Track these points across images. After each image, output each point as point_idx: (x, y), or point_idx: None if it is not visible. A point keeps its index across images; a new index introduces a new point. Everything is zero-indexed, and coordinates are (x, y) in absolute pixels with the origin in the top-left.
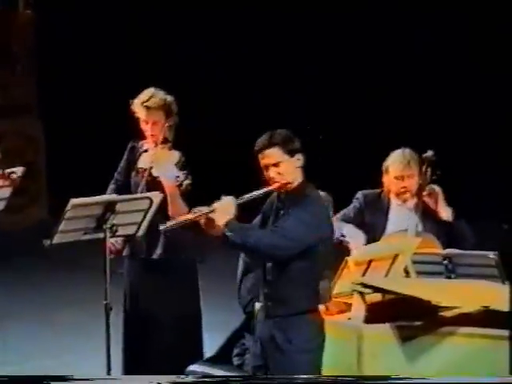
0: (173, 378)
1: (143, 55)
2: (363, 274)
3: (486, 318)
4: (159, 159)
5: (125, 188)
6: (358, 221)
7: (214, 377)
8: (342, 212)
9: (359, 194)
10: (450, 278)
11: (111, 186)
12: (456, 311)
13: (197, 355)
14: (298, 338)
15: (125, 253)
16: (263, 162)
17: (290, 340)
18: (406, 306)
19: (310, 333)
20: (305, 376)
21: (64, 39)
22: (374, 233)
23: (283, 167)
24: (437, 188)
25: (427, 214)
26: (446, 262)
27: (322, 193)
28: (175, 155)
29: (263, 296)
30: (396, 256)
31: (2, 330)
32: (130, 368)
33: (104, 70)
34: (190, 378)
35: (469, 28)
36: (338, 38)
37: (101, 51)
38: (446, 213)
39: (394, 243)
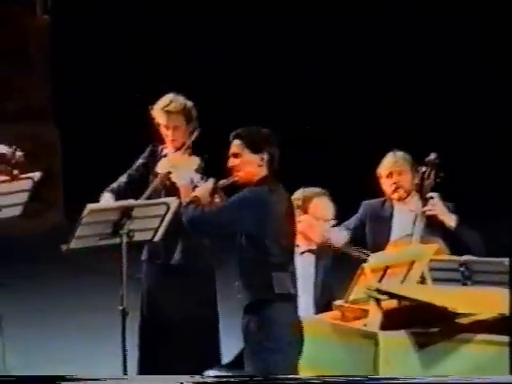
0: (188, 378)
1: (159, 61)
2: (379, 281)
3: (503, 325)
4: (178, 164)
5: (136, 185)
6: (358, 230)
7: (234, 377)
8: (344, 223)
9: (363, 204)
10: (466, 284)
11: (122, 179)
12: (472, 318)
13: (214, 360)
14: (261, 337)
15: (143, 257)
16: (229, 151)
17: (257, 341)
18: (422, 313)
19: (272, 331)
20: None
21: (81, 44)
22: (379, 240)
23: (241, 160)
24: (435, 195)
25: (432, 223)
26: (462, 268)
27: (317, 189)
28: (195, 161)
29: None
30: (412, 263)
31: (17, 335)
32: (146, 373)
33: (120, 76)
34: (211, 379)
35: (471, 30)
36: (346, 44)
37: (117, 57)
38: (450, 220)
39: (410, 250)
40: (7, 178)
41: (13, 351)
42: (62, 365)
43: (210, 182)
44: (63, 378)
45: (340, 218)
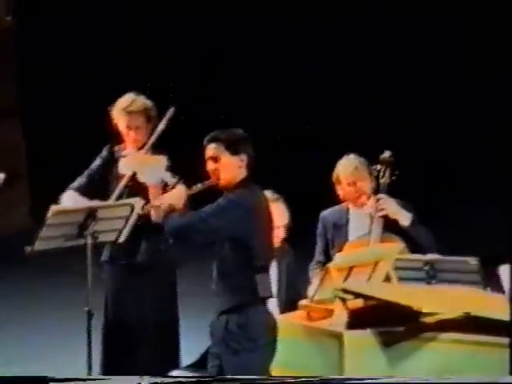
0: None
1: (123, 59)
2: (345, 280)
3: (467, 323)
4: (146, 164)
5: (96, 185)
6: (325, 249)
7: (195, 377)
8: (315, 251)
9: (320, 218)
10: (431, 283)
11: (82, 179)
12: (437, 317)
13: (174, 361)
14: (241, 337)
15: (103, 258)
16: (206, 155)
17: (237, 340)
18: (388, 312)
19: (252, 331)
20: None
21: (45, 44)
22: (338, 246)
23: (222, 163)
24: (383, 196)
25: (389, 223)
26: (427, 267)
27: (269, 194)
28: (162, 160)
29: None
30: (377, 262)
31: None
32: (108, 373)
33: (85, 75)
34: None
35: (446, 28)
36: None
37: (82, 56)
38: (403, 219)
39: (375, 249)
40: None
41: None
42: (31, 363)
43: (183, 188)
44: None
45: None
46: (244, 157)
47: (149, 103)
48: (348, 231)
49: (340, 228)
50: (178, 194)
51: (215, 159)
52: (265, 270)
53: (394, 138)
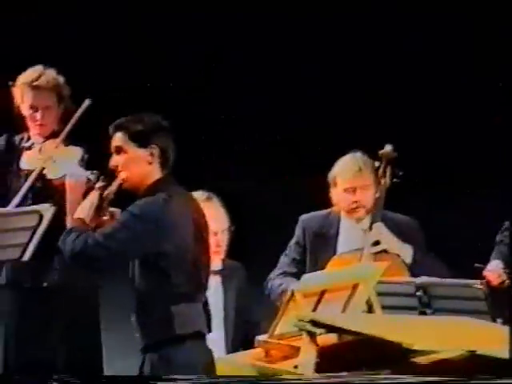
0: None
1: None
2: (314, 309)
3: (472, 365)
4: (57, 157)
5: None
6: (302, 259)
7: None
8: (280, 260)
9: (300, 221)
10: (425, 313)
11: None
12: (433, 357)
13: None
14: None
15: (1, 281)
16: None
17: None
18: (369, 350)
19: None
20: None
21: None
22: (321, 264)
23: (125, 157)
24: (378, 225)
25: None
26: (420, 293)
27: (199, 194)
28: (76, 151)
29: None
30: (356, 285)
31: None
32: None
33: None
34: None
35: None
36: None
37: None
38: (405, 252)
39: (353, 269)
40: None
41: None
42: None
43: (95, 195)
44: None
45: None
46: (154, 150)
47: (61, 79)
48: (337, 246)
49: (324, 240)
50: (88, 204)
51: (120, 151)
52: (187, 299)
53: (396, 139)
